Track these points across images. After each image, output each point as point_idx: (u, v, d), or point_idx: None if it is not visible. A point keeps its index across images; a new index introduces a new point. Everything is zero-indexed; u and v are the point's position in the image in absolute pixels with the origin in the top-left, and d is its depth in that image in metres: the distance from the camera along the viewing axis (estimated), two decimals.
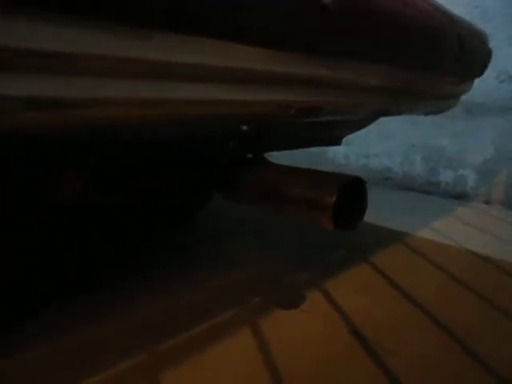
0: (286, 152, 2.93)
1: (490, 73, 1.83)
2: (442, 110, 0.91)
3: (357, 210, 0.68)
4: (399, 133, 2.19)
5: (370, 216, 1.61)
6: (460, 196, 2.00)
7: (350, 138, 2.44)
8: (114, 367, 0.69)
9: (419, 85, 0.68)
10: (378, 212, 1.73)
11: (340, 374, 0.70)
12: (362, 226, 1.52)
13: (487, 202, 1.92)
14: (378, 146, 2.32)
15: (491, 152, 1.89)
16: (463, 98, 1.95)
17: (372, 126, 2.30)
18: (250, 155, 0.88)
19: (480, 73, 0.90)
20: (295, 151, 2.82)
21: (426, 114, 0.92)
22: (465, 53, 0.69)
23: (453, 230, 1.51)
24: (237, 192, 0.72)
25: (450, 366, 0.72)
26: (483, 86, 1.86)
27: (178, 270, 1.08)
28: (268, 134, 0.79)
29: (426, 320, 0.86)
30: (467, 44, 0.70)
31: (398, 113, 0.77)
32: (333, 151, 2.55)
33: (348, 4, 0.49)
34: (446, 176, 2.05)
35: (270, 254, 1.22)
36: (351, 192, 0.65)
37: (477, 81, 1.90)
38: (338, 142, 0.97)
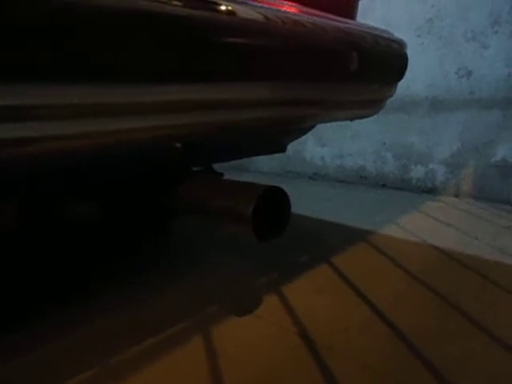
0: (260, 158, 2.96)
1: (450, 69, 1.88)
2: (368, 114, 0.94)
3: (280, 219, 0.70)
4: (370, 132, 2.22)
5: (339, 216, 1.66)
6: (431, 191, 2.03)
7: (324, 139, 2.50)
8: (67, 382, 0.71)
9: (321, 95, 0.71)
10: (348, 211, 1.76)
11: (282, 380, 0.71)
12: (328, 227, 1.56)
13: (457, 195, 1.95)
14: (352, 146, 2.35)
15: (458, 146, 1.92)
16: (428, 95, 1.99)
17: (344, 128, 2.34)
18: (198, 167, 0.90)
19: (399, 77, 0.93)
20: (271, 156, 2.84)
21: (351, 119, 0.95)
22: (367, 63, 0.72)
23: (419, 225, 1.54)
24: (174, 204, 0.75)
25: (395, 373, 0.71)
26: (445, 83, 1.90)
27: (137, 280, 1.09)
28: (210, 147, 0.81)
29: (377, 322, 0.87)
30: (370, 55, 0.73)
31: (322, 121, 0.80)
32: (309, 153, 2.58)
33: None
34: (417, 172, 2.08)
35: (232, 261, 1.23)
36: (273, 202, 0.67)
37: (439, 77, 1.95)
38: (283, 150, 1.00)
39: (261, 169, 2.80)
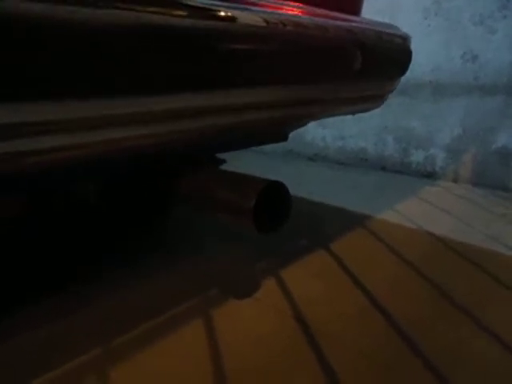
0: None
1: (456, 52, 1.86)
2: (370, 108, 0.95)
3: (281, 211, 0.72)
4: (372, 115, 2.21)
5: (338, 199, 1.68)
6: (430, 175, 2.05)
7: (326, 121, 2.48)
8: (68, 364, 0.74)
9: (325, 95, 0.72)
10: (347, 194, 1.78)
11: (279, 364, 0.75)
12: (327, 210, 1.59)
13: (455, 181, 1.96)
14: (353, 128, 2.34)
15: (459, 132, 1.92)
16: (432, 79, 1.97)
17: None
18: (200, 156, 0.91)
19: (402, 72, 0.93)
20: None
21: (354, 113, 0.96)
22: (371, 61, 0.72)
23: (416, 211, 1.56)
24: (174, 195, 0.76)
25: (387, 360, 0.75)
26: (450, 67, 1.88)
27: (138, 264, 1.12)
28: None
29: (372, 309, 0.90)
30: (373, 52, 0.73)
31: (324, 117, 0.81)
32: (311, 134, 2.57)
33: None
34: (417, 156, 2.09)
35: (231, 246, 1.26)
36: (273, 195, 0.69)
37: (444, 61, 1.93)
38: (284, 139, 1.01)
39: (262, 149, 2.80)
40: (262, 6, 0.57)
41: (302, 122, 0.87)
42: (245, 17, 0.52)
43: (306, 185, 1.90)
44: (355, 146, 2.36)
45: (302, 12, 0.64)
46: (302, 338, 0.81)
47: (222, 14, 0.49)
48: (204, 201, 0.71)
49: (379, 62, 0.77)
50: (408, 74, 1.98)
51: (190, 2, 0.46)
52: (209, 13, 0.48)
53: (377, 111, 2.17)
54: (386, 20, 2.03)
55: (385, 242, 1.27)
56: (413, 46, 1.81)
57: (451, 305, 0.92)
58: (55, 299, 0.93)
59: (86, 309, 0.90)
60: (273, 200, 0.68)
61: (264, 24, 0.54)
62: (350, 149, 2.39)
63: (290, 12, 0.61)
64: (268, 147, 2.78)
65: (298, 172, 2.22)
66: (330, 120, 2.43)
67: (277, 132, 0.92)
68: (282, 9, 0.61)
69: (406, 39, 0.90)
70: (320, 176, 2.18)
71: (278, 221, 0.71)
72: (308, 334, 0.82)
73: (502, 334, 0.82)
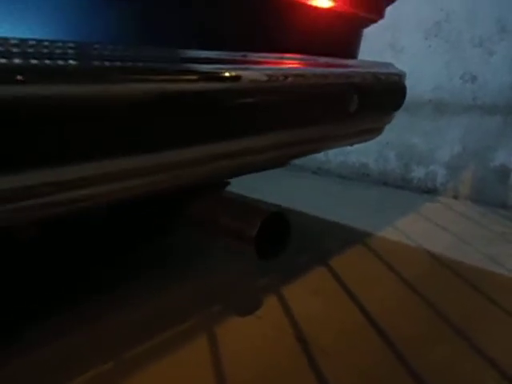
0: None
1: (456, 73, 1.90)
2: (367, 139, 1.00)
3: (281, 238, 0.76)
4: None
5: (339, 215, 1.71)
6: (431, 191, 2.08)
7: None
8: (79, 378, 0.78)
9: (325, 134, 0.77)
10: (349, 210, 1.81)
11: (278, 377, 0.79)
12: (328, 226, 1.62)
13: (456, 197, 2.00)
14: None
15: (459, 149, 1.96)
16: (432, 98, 2.01)
17: None
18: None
19: (397, 107, 0.99)
20: None
21: (351, 144, 1.01)
22: (368, 102, 0.77)
23: (415, 228, 1.59)
24: (177, 218, 0.81)
25: (381, 377, 0.78)
26: (449, 87, 1.93)
27: (141, 282, 1.14)
28: None
29: (368, 327, 0.94)
30: (370, 94, 0.78)
31: (324, 150, 0.86)
32: None
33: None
34: (418, 172, 2.12)
35: (232, 262, 1.29)
36: (275, 223, 0.73)
37: (444, 81, 1.97)
38: (285, 165, 1.07)
39: None
40: (264, 62, 0.63)
41: (303, 156, 0.93)
42: (248, 74, 0.58)
43: (308, 199, 1.94)
44: (357, 161, 2.40)
45: (301, 63, 0.69)
46: (301, 355, 0.85)
47: (227, 74, 0.54)
48: (207, 226, 0.75)
49: (375, 101, 0.83)
50: (409, 92, 2.03)
51: (198, 69, 0.51)
52: (216, 75, 0.53)
53: None
54: (388, 39, 2.08)
55: (384, 260, 1.30)
56: (413, 66, 1.85)
57: (446, 325, 0.95)
58: (61, 317, 0.96)
59: (92, 326, 0.93)
60: (274, 227, 0.73)
61: (266, 78, 0.60)
62: (351, 163, 2.42)
63: (290, 65, 0.67)
64: None
65: (300, 185, 2.26)
66: None
67: (280, 159, 0.98)
68: (282, 63, 0.66)
69: (401, 76, 0.95)
70: (322, 190, 2.22)
71: (278, 247, 0.75)
72: (306, 351, 0.86)
73: (495, 356, 0.84)
